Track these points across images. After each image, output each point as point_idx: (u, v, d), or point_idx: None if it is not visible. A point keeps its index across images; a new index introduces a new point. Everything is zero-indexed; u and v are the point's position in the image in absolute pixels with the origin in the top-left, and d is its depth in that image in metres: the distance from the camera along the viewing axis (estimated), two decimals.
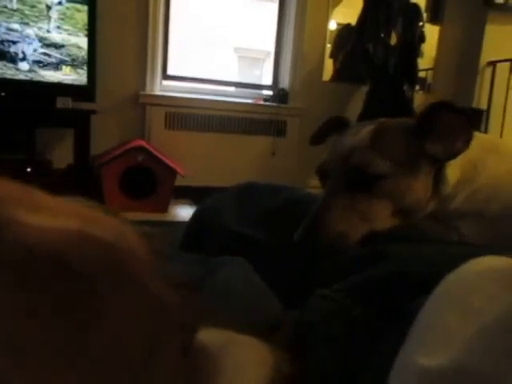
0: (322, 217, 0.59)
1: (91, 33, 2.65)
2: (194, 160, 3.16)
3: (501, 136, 3.46)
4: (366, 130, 0.62)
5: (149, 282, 0.21)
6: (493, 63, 3.44)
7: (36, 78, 2.61)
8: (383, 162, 0.59)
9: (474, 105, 3.54)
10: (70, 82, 2.68)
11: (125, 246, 0.21)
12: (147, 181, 2.74)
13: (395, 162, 0.59)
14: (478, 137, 0.68)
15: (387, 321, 0.38)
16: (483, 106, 3.50)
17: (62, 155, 2.81)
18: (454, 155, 0.62)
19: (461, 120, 0.60)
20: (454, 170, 0.65)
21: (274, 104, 3.33)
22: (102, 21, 2.72)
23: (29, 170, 2.58)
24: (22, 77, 2.58)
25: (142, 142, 2.78)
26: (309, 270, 0.56)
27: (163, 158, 2.74)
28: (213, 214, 0.76)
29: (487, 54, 3.46)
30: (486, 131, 3.46)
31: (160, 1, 3.02)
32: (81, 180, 2.64)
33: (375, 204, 0.60)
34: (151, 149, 2.74)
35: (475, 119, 0.78)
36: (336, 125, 0.74)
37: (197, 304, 0.24)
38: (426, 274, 0.40)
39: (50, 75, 2.64)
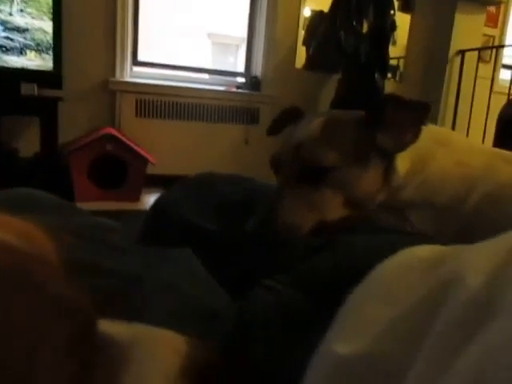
0: (274, 208, 0.60)
1: (56, 16, 2.57)
2: (166, 148, 3.12)
3: (468, 122, 3.54)
4: (317, 121, 0.63)
5: (45, 280, 0.22)
6: (462, 52, 3.50)
7: None
8: (332, 154, 0.59)
9: (444, 93, 3.60)
10: (35, 68, 2.59)
11: (26, 247, 0.22)
12: (118, 170, 2.70)
13: (344, 154, 0.60)
14: (430, 129, 0.70)
15: (326, 312, 0.39)
16: (452, 93, 3.57)
17: (29, 143, 2.74)
18: (402, 147, 0.63)
19: (409, 114, 0.62)
20: (404, 162, 0.66)
21: (247, 91, 3.31)
22: (67, 4, 2.63)
23: None
24: None
25: (112, 130, 2.73)
26: (259, 261, 0.57)
27: (134, 147, 2.70)
28: (170, 205, 0.76)
29: (456, 43, 3.52)
30: (454, 118, 3.54)
31: None
32: (48, 169, 2.57)
33: (325, 195, 0.61)
34: (121, 137, 2.69)
35: (424, 113, 0.80)
36: (292, 115, 0.75)
37: (99, 296, 0.25)
38: (367, 265, 0.41)
39: (13, 60, 2.55)
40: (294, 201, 0.61)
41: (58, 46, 2.61)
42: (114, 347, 0.26)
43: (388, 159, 0.65)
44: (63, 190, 2.58)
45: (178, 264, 0.49)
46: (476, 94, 3.50)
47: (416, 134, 0.62)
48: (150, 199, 2.89)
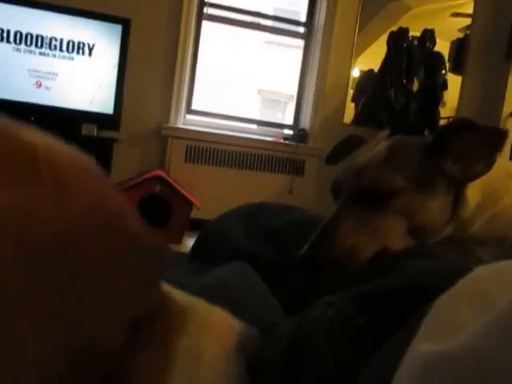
0: (330, 231, 0.57)
1: (121, 66, 2.76)
2: (212, 194, 3.17)
3: None
4: (381, 146, 0.61)
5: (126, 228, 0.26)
6: None
7: (65, 104, 2.71)
8: (396, 178, 0.57)
9: None
10: (96, 110, 2.76)
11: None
12: (163, 211, 2.74)
13: (409, 179, 0.57)
14: (503, 161, 0.66)
15: (391, 331, 0.35)
16: (504, 157, 3.46)
17: None
18: (473, 177, 0.60)
19: (482, 141, 0.59)
20: (474, 193, 0.62)
21: (293, 143, 3.36)
22: (132, 54, 2.83)
23: None
24: (52, 103, 2.68)
25: (161, 173, 2.82)
26: (314, 285, 0.54)
27: (180, 190, 2.76)
28: (220, 230, 0.75)
29: (509, 105, 3.46)
30: None
31: (190, 39, 3.14)
32: None
33: (387, 220, 0.58)
34: (169, 179, 2.76)
35: (499, 141, 0.75)
36: (352, 144, 0.73)
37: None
38: (435, 285, 0.38)
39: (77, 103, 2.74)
40: (352, 224, 0.58)
41: (119, 92, 2.78)
42: (175, 308, 0.26)
43: (457, 188, 0.61)
44: None
45: (242, 277, 0.47)
46: None
47: (489, 164, 0.58)
48: (192, 243, 2.89)
